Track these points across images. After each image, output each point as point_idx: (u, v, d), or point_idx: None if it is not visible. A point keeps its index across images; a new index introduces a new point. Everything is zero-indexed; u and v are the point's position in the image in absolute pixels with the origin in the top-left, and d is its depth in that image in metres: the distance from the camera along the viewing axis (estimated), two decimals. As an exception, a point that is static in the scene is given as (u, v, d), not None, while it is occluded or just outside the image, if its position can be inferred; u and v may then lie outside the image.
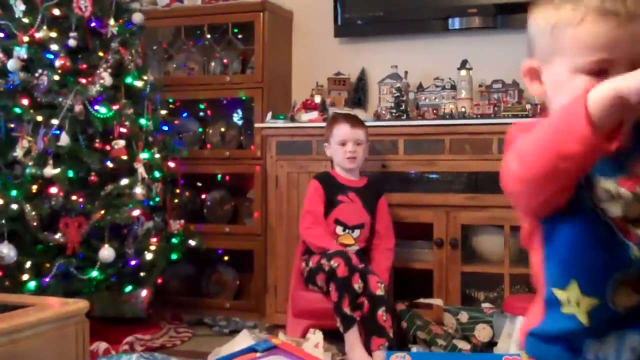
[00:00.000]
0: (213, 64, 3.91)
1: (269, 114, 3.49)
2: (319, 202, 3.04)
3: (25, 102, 2.92)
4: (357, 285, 2.72)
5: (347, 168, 3.08)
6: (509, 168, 0.97)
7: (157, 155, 3.19)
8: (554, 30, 1.05)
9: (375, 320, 2.70)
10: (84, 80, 2.98)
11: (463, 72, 3.36)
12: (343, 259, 2.77)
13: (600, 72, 0.98)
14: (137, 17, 3.24)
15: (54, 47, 2.97)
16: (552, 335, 1.06)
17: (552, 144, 0.89)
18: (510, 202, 1.05)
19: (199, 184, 3.91)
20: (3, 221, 2.79)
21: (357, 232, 3.04)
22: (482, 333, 2.84)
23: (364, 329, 2.72)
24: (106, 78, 3.00)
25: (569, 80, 1.02)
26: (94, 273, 2.86)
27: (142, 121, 3.17)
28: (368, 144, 3.12)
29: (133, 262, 2.99)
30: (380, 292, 2.74)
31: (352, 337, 2.71)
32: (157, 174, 3.17)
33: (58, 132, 2.88)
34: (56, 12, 3.01)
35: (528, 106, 3.13)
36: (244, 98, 3.78)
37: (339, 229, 3.03)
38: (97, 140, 3.02)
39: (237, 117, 3.98)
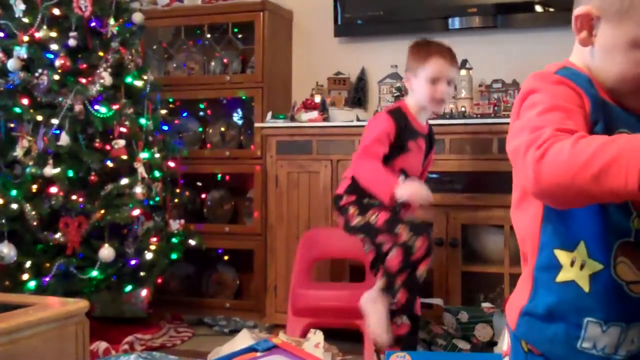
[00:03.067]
0: (213, 63, 3.91)
1: (269, 114, 3.49)
2: (385, 144, 2.56)
3: (25, 101, 2.92)
4: (418, 279, 2.49)
5: (433, 110, 2.69)
6: (545, 161, 0.89)
7: (157, 155, 3.19)
8: None
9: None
10: (84, 80, 2.98)
11: (463, 72, 3.36)
12: (427, 243, 2.45)
13: None
14: (137, 17, 3.24)
15: (54, 46, 2.97)
16: (549, 310, 1.01)
17: (595, 178, 0.85)
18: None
19: (199, 184, 3.91)
20: (3, 221, 2.79)
21: None
22: (482, 333, 2.84)
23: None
24: (106, 78, 3.00)
25: (625, 52, 0.97)
26: (94, 273, 2.86)
27: (142, 121, 3.17)
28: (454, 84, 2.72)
29: (133, 262, 2.99)
30: (418, 314, 2.64)
31: (381, 304, 2.48)
32: (157, 174, 3.17)
33: (58, 131, 2.88)
34: (56, 11, 3.01)
35: (528, 106, 3.13)
36: (244, 98, 3.78)
37: (399, 180, 2.52)
38: (97, 140, 3.02)
39: (237, 117, 3.98)
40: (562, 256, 1.00)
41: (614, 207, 0.98)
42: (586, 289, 0.98)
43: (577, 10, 1.03)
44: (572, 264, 0.99)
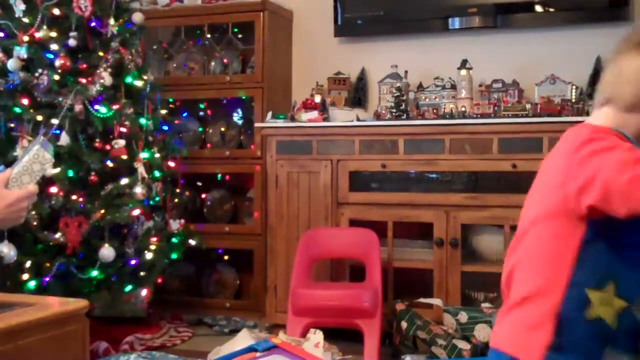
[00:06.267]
0: (213, 63, 3.91)
1: (269, 114, 3.49)
2: None
3: (25, 101, 2.92)
4: None
5: None
6: None
7: (157, 155, 3.19)
8: None
9: None
10: (84, 80, 2.98)
11: (463, 72, 3.36)
12: None
13: None
14: (137, 17, 3.24)
15: (54, 46, 2.97)
16: (576, 345, 1.12)
17: None
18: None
19: (199, 184, 3.91)
20: (3, 221, 2.79)
21: None
22: (481, 333, 2.84)
23: None
24: (106, 78, 3.00)
25: None
26: (94, 273, 2.86)
27: (142, 121, 3.17)
28: None
29: (133, 262, 2.99)
30: None
31: None
32: (157, 174, 3.17)
33: (58, 131, 2.88)
34: (56, 11, 3.00)
35: (528, 106, 3.13)
36: (244, 98, 3.78)
37: None
38: (97, 140, 3.01)
39: (237, 117, 3.98)
40: (593, 295, 1.11)
41: None
42: (614, 326, 1.11)
43: None
44: (601, 302, 1.11)
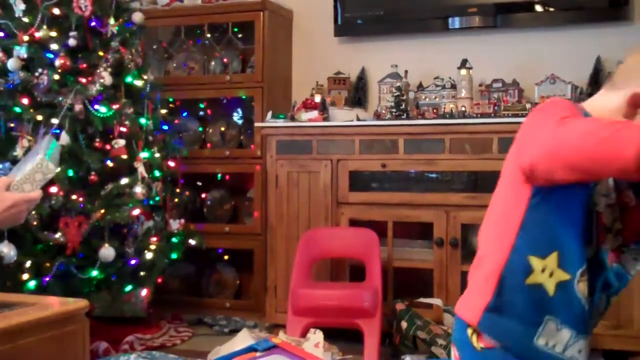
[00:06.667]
0: (213, 63, 3.91)
1: (269, 113, 3.49)
2: None
3: (25, 101, 2.92)
4: None
5: None
6: (565, 137, 1.03)
7: (157, 155, 3.19)
8: None
9: None
10: (84, 80, 2.98)
11: (463, 72, 3.36)
12: None
13: None
14: (137, 17, 3.24)
15: (54, 46, 2.97)
16: (514, 307, 1.13)
17: (601, 151, 0.99)
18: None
19: (199, 184, 3.91)
20: (3, 221, 2.79)
21: None
22: (482, 333, 2.83)
23: None
24: (106, 77, 3.00)
25: None
26: (94, 272, 2.86)
27: (142, 120, 3.17)
28: None
29: (133, 262, 2.99)
30: None
31: None
32: (157, 173, 3.17)
33: (58, 131, 2.87)
34: (56, 11, 3.00)
35: (528, 105, 3.13)
36: (244, 97, 3.78)
37: None
38: (97, 140, 3.01)
39: (237, 117, 3.98)
40: (536, 262, 1.11)
41: (587, 230, 1.13)
42: (551, 292, 1.11)
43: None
44: (542, 270, 1.11)
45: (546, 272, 1.11)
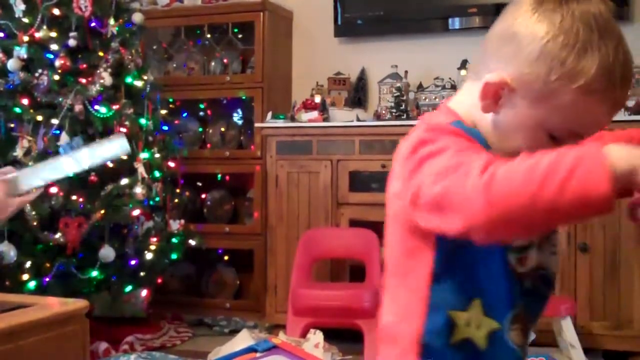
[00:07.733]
0: (213, 63, 3.91)
1: (269, 114, 3.49)
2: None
3: (25, 101, 2.92)
4: None
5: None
6: (484, 190, 0.80)
7: (157, 155, 3.19)
8: (558, 78, 0.91)
9: None
10: (84, 80, 2.98)
11: (463, 72, 3.36)
12: None
13: (557, 138, 0.92)
14: (137, 17, 3.24)
15: (54, 47, 2.97)
16: None
17: (566, 201, 0.77)
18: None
19: (199, 184, 3.91)
20: (3, 221, 2.79)
21: None
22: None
23: None
24: (106, 78, 3.00)
25: (532, 131, 0.93)
26: (94, 273, 2.86)
27: (142, 121, 3.17)
28: None
29: (133, 262, 2.99)
30: None
31: None
32: (157, 174, 3.17)
33: (58, 131, 2.88)
34: (56, 12, 3.00)
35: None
36: (244, 98, 3.78)
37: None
38: (97, 140, 3.01)
39: (237, 117, 3.98)
40: (458, 316, 0.94)
41: (508, 274, 0.94)
42: (483, 346, 0.94)
43: (490, 77, 0.96)
44: (467, 324, 0.94)
45: (472, 325, 0.93)
